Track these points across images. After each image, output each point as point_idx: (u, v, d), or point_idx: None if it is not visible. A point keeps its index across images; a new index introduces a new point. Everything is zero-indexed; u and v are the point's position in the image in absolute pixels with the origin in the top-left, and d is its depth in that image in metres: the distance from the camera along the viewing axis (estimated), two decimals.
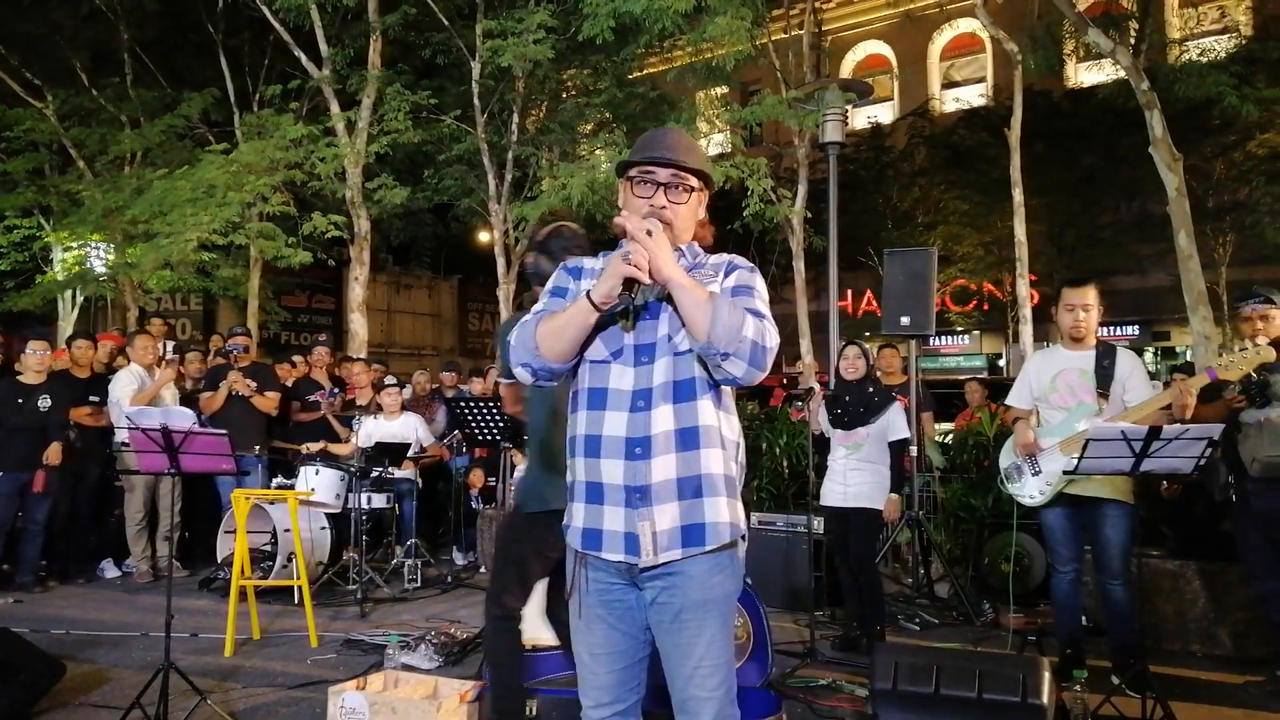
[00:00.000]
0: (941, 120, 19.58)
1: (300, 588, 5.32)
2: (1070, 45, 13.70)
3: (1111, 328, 18.84)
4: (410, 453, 6.84)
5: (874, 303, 19.47)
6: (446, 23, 11.61)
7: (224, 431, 3.91)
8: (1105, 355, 4.11)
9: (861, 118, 20.34)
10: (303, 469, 6.61)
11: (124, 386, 6.63)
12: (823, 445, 5.19)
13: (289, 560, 5.84)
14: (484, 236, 16.06)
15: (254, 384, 6.97)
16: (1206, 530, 5.11)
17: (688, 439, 1.95)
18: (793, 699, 4.01)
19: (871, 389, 4.91)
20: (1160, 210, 11.08)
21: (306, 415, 7.56)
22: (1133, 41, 10.47)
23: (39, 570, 6.46)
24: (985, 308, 19.82)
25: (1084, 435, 3.52)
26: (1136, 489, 4.08)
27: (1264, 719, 3.90)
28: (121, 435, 5.09)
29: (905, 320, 6.30)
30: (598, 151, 12.56)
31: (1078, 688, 3.50)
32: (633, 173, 2.08)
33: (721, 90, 13.59)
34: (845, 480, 4.85)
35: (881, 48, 23.31)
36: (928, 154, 18.80)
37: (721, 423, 2.00)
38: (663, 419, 1.94)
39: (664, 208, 2.03)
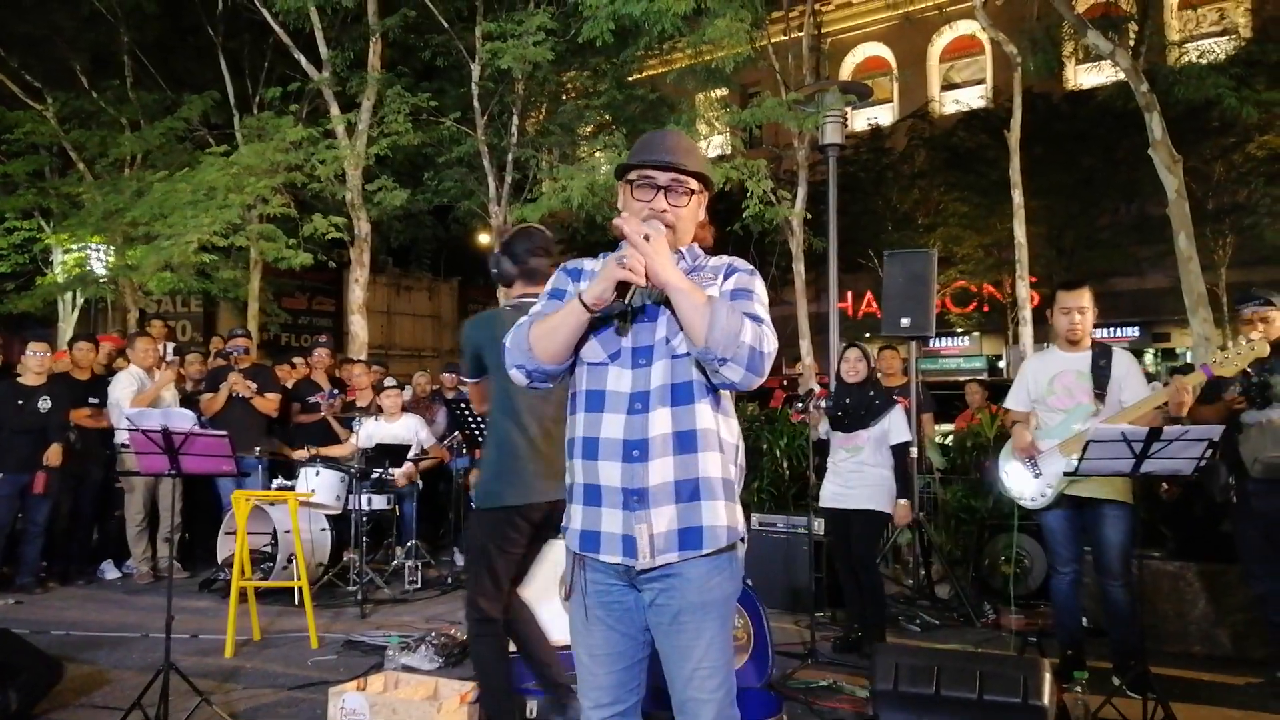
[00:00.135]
0: (941, 122, 19.53)
1: (301, 589, 5.33)
2: (1070, 47, 13.71)
3: (1111, 329, 18.81)
4: (411, 454, 6.85)
5: (874, 304, 19.44)
6: (446, 25, 11.59)
7: (224, 433, 3.91)
8: (1101, 356, 4.12)
9: (861, 120, 20.32)
10: (303, 470, 6.62)
11: (124, 388, 6.63)
12: (823, 447, 5.19)
13: (289, 561, 5.85)
14: (484, 238, 16.07)
15: (254, 385, 6.98)
16: (1206, 531, 5.12)
17: (685, 442, 1.94)
18: (793, 700, 4.01)
19: (872, 392, 4.92)
20: (1160, 212, 11.06)
21: (307, 417, 7.57)
22: (1132, 43, 10.49)
23: (39, 571, 6.47)
24: (985, 309, 19.78)
25: (1083, 436, 3.53)
26: (1136, 490, 4.09)
27: (1264, 719, 3.91)
28: (122, 436, 5.10)
29: (905, 322, 6.30)
30: (597, 153, 12.53)
31: (1078, 689, 3.51)
32: (632, 176, 2.07)
33: (721, 92, 13.56)
34: (846, 482, 4.86)
35: (881, 50, 23.27)
36: (927, 156, 18.74)
37: (720, 426, 1.99)
38: (660, 422, 1.93)
39: (664, 211, 2.02)
